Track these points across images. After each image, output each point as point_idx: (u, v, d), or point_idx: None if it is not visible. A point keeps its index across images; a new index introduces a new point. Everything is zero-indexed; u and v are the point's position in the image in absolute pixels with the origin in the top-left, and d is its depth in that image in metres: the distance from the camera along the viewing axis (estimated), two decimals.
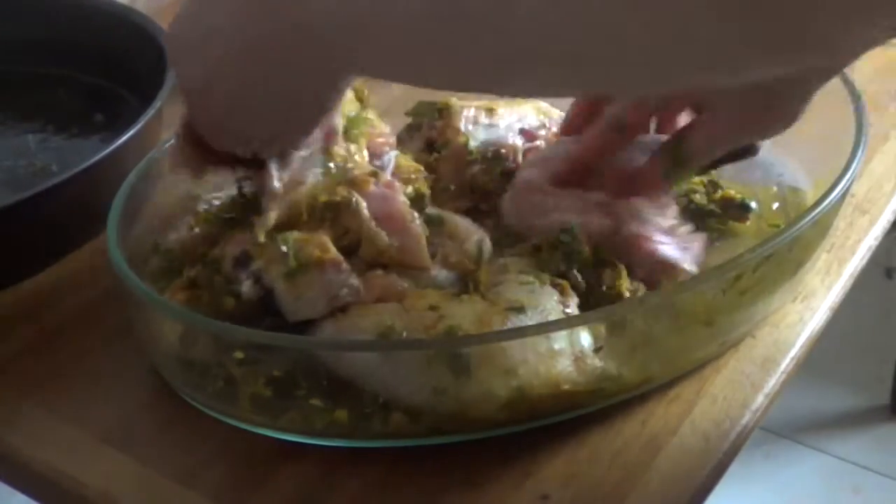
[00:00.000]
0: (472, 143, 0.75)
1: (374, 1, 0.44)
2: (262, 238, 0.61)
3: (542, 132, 0.79)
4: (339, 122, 0.63)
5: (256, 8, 0.48)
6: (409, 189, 0.69)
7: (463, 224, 0.68)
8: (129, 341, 0.66)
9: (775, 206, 0.73)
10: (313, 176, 0.62)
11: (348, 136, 0.65)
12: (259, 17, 0.48)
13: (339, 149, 0.63)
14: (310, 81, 0.50)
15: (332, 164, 0.63)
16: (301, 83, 0.50)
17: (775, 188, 0.74)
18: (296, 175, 0.61)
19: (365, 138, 0.66)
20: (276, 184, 0.61)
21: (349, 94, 0.67)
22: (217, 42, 0.49)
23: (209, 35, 0.50)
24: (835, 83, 0.73)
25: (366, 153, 0.66)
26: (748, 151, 0.68)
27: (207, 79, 0.51)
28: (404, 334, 0.58)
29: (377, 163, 0.68)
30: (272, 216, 0.61)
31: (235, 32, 0.49)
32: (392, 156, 0.69)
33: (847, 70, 0.75)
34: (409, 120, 0.78)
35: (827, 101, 0.75)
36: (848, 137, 0.68)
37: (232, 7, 0.49)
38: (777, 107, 0.62)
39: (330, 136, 0.63)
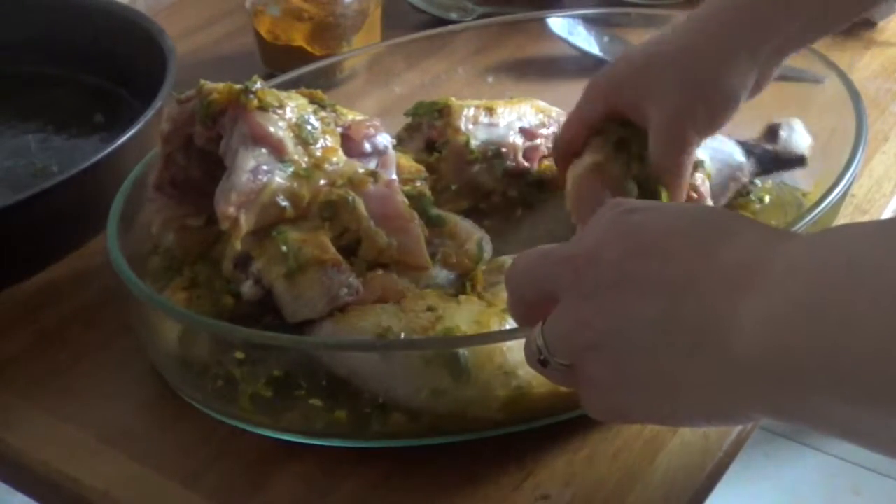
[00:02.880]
0: (473, 143, 0.75)
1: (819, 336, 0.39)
2: (228, 263, 0.62)
3: (543, 130, 0.79)
4: (280, 134, 0.63)
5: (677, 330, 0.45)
6: (410, 187, 0.69)
7: (463, 224, 0.68)
8: (129, 341, 0.66)
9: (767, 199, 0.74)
10: (280, 177, 0.62)
11: (303, 138, 0.64)
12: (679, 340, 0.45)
13: (294, 154, 0.63)
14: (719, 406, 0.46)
15: (294, 166, 0.63)
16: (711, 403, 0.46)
17: (770, 183, 0.74)
18: (250, 186, 0.61)
19: (333, 135, 0.66)
20: (231, 209, 0.61)
21: (296, 99, 0.67)
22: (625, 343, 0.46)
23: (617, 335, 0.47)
24: (835, 83, 0.73)
25: (340, 152, 0.66)
26: (799, 162, 0.72)
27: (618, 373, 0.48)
28: (402, 335, 0.58)
29: (369, 148, 0.67)
30: (244, 227, 0.61)
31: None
32: (386, 139, 0.69)
33: (847, 70, 0.75)
34: (408, 120, 0.78)
35: (827, 102, 0.75)
36: (848, 137, 0.68)
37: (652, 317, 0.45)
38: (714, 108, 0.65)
39: (277, 148, 0.63)
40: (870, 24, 1.00)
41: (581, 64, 0.92)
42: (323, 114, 0.66)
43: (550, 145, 0.79)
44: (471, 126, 0.76)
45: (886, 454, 0.42)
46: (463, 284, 0.65)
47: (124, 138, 0.72)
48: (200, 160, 0.66)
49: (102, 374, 0.66)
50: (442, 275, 0.65)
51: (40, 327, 0.70)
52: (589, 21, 0.94)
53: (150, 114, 0.74)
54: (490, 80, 0.91)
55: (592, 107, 0.69)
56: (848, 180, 0.64)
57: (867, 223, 0.52)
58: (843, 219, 0.74)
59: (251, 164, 0.62)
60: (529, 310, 0.51)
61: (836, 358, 0.39)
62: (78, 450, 0.60)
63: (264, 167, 0.62)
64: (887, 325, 0.37)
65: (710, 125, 0.67)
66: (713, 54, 0.64)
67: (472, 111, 0.76)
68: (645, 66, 0.66)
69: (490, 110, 0.77)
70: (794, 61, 0.80)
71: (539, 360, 0.49)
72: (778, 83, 0.82)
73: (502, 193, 0.77)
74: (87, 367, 0.66)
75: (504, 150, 0.76)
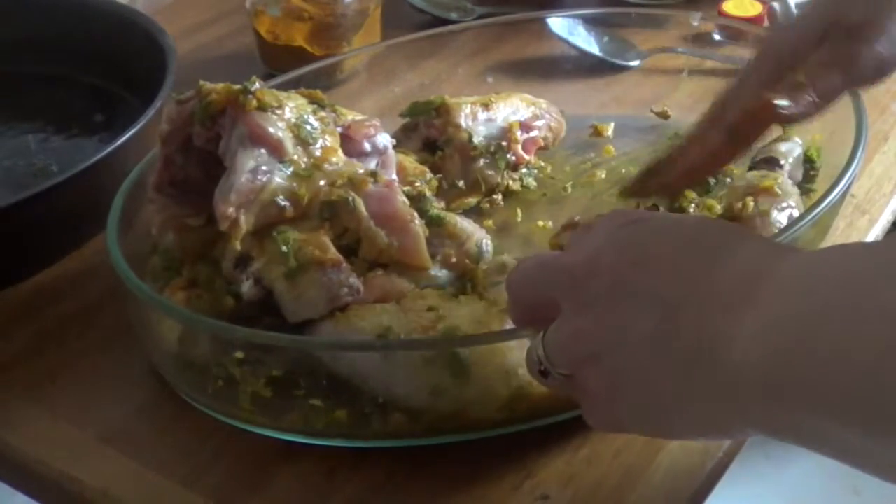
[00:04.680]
0: (475, 139, 0.76)
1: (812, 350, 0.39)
2: (228, 263, 0.62)
3: (538, 122, 0.80)
4: (279, 134, 0.63)
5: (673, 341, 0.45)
6: (409, 188, 0.69)
7: (464, 224, 0.68)
8: (129, 341, 0.66)
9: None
10: (279, 177, 0.62)
11: (302, 138, 0.64)
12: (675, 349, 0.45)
13: (293, 154, 0.63)
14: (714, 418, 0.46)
15: (293, 166, 0.63)
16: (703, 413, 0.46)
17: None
18: (250, 187, 0.61)
19: (332, 135, 0.66)
20: (230, 210, 0.61)
21: (295, 99, 0.67)
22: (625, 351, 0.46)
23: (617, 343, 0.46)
24: None
25: (340, 152, 0.66)
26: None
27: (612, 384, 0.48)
28: (402, 335, 0.58)
29: (368, 148, 0.67)
30: (243, 228, 0.61)
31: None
32: (386, 139, 0.69)
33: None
34: (404, 121, 0.78)
35: None
36: (848, 137, 0.68)
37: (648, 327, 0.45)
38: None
39: (276, 149, 0.63)
40: None
41: (581, 64, 0.92)
42: (322, 114, 0.66)
43: (545, 135, 0.80)
44: (470, 122, 0.76)
45: (879, 476, 0.42)
46: (464, 284, 0.65)
47: (124, 138, 0.72)
48: (200, 160, 0.66)
49: (102, 374, 0.66)
50: (442, 275, 0.65)
51: (40, 327, 0.70)
52: (589, 21, 0.94)
53: (150, 114, 0.74)
54: (490, 80, 0.91)
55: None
56: (848, 180, 0.64)
57: (866, 243, 0.52)
58: (843, 219, 0.74)
59: (250, 164, 0.62)
60: (530, 315, 0.51)
61: (830, 377, 0.39)
62: (78, 450, 0.60)
63: (263, 167, 0.62)
64: (881, 346, 0.37)
65: None
66: None
67: (469, 108, 0.77)
68: None
69: (486, 106, 0.78)
70: None
71: (539, 370, 0.50)
72: None
73: (506, 186, 0.78)
74: (87, 367, 0.66)
75: (504, 143, 0.77)
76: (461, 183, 0.75)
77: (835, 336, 0.39)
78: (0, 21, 0.94)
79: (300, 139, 0.64)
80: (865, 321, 0.38)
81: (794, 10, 0.97)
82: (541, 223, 0.75)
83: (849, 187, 0.64)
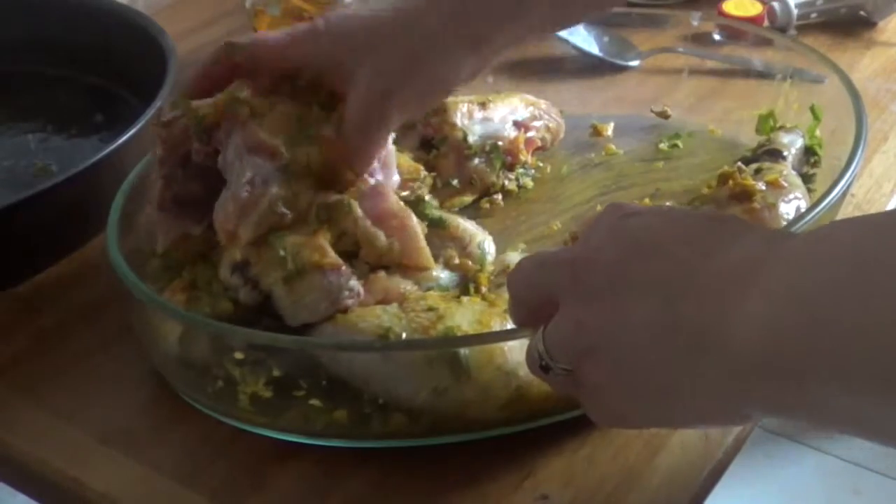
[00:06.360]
0: (470, 138, 0.76)
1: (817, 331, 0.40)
2: (226, 269, 0.61)
3: (537, 123, 0.80)
4: (274, 140, 0.63)
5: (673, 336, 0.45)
6: (408, 192, 0.69)
7: (465, 226, 0.68)
8: (129, 341, 0.66)
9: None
10: (276, 185, 0.62)
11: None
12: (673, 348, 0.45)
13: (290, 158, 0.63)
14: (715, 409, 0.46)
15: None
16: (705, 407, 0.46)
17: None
18: (247, 199, 0.61)
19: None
20: (230, 224, 0.61)
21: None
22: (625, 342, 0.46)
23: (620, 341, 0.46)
24: (835, 83, 0.73)
25: None
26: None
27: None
28: (403, 336, 0.58)
29: None
30: (243, 240, 0.61)
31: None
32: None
33: (847, 70, 0.75)
34: None
35: (827, 102, 0.75)
36: (848, 137, 0.68)
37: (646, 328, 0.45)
38: None
39: (272, 154, 0.63)
40: (870, 24, 1.00)
41: (581, 64, 0.92)
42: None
43: (543, 136, 0.80)
44: (466, 121, 0.76)
45: (893, 444, 0.42)
46: (466, 286, 0.65)
47: (124, 138, 0.72)
48: (199, 174, 0.66)
49: (102, 375, 0.66)
50: (445, 276, 0.65)
51: (40, 327, 0.70)
52: (589, 21, 0.94)
53: (150, 114, 0.74)
54: (490, 80, 0.91)
55: (287, 47, 0.64)
56: (847, 180, 0.64)
57: (866, 217, 0.52)
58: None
59: (247, 174, 0.61)
60: (531, 314, 0.51)
61: (845, 351, 0.39)
62: (78, 450, 0.61)
63: (260, 178, 0.62)
64: None
65: (417, 108, 0.67)
66: (435, 40, 0.63)
67: (465, 107, 0.77)
68: (365, 28, 0.63)
69: (483, 105, 0.78)
70: (795, 61, 0.81)
71: (541, 365, 0.50)
72: (778, 83, 0.82)
73: (501, 186, 0.78)
74: (88, 367, 0.66)
75: (500, 143, 0.77)
76: (455, 181, 0.75)
77: (849, 310, 0.39)
78: (0, 21, 0.94)
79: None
80: (880, 294, 0.38)
81: (794, 10, 0.98)
82: (541, 223, 0.75)
83: (849, 187, 0.64)
